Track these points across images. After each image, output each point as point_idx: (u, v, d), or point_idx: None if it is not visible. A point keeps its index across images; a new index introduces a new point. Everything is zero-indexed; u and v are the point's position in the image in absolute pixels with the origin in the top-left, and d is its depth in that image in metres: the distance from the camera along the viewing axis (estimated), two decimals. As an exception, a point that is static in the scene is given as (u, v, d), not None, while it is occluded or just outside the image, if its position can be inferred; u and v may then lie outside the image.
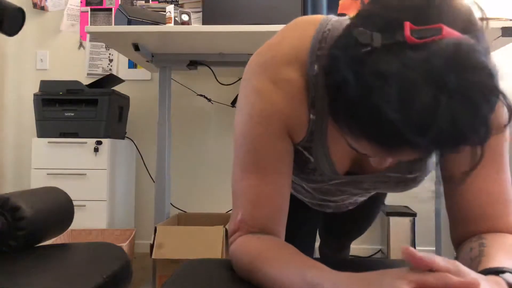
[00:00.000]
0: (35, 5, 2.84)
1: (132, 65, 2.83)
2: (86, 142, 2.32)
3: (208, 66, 2.16)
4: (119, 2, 2.81)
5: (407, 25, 0.46)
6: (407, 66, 0.45)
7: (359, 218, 1.19)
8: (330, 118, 0.59)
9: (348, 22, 0.69)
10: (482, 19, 0.50)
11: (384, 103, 0.45)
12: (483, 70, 0.45)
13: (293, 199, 0.86)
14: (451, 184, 0.69)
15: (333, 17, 0.71)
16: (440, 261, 0.45)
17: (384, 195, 1.21)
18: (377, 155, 0.55)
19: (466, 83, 0.44)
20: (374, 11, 0.50)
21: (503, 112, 0.51)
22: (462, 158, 0.60)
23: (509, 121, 0.51)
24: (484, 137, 0.48)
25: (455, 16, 0.48)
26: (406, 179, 0.77)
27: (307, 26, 0.70)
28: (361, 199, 0.96)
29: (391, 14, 0.48)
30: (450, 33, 0.46)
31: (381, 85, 0.45)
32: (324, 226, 1.24)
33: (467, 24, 0.48)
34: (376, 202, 1.16)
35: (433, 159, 0.78)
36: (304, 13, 2.05)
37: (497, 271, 0.51)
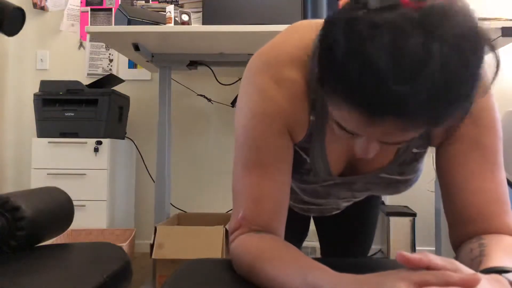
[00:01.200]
0: (35, 5, 2.84)
1: (132, 65, 2.83)
2: (86, 142, 2.32)
3: (208, 66, 2.16)
4: (119, 2, 2.81)
5: None
6: (400, 16, 0.46)
7: (357, 229, 1.19)
8: (329, 122, 0.59)
9: None
10: None
11: (374, 50, 0.45)
12: (474, 27, 0.47)
13: None
14: (448, 183, 0.69)
15: None
16: (436, 259, 0.46)
17: (377, 202, 1.21)
18: (361, 129, 0.54)
19: (457, 36, 0.45)
20: None
21: (488, 78, 0.53)
22: (459, 157, 0.61)
23: (495, 76, 0.53)
24: (472, 90, 0.48)
25: None
26: (397, 180, 0.77)
27: (310, 28, 0.70)
28: (346, 204, 0.96)
29: None
30: None
31: (373, 33, 0.46)
32: (326, 245, 1.23)
33: None
34: (370, 208, 1.16)
35: (423, 164, 0.78)
36: (304, 13, 2.05)
37: (498, 270, 0.51)
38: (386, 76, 0.45)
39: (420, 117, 0.48)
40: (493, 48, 0.49)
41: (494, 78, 0.53)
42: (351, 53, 0.47)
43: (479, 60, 0.47)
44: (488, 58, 0.50)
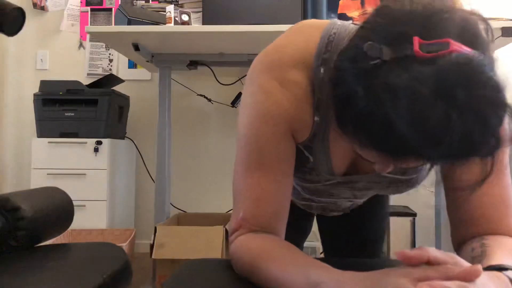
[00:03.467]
0: (35, 5, 2.84)
1: (132, 65, 2.83)
2: (86, 142, 2.32)
3: (208, 66, 2.16)
4: (119, 2, 2.81)
5: (416, 39, 0.47)
6: (417, 80, 0.45)
7: (362, 238, 1.17)
8: (333, 122, 0.59)
9: (352, 27, 0.69)
10: (487, 30, 0.51)
11: (394, 116, 0.46)
12: (491, 85, 0.46)
13: None
14: (457, 192, 0.69)
15: (338, 21, 0.72)
16: (436, 253, 0.46)
17: (385, 210, 1.19)
18: (383, 162, 0.56)
19: (475, 99, 0.45)
20: (381, 23, 0.51)
21: (510, 123, 0.52)
22: (470, 171, 0.61)
23: None
24: (494, 148, 0.49)
25: (461, 29, 0.48)
26: (399, 180, 0.77)
27: (313, 30, 0.70)
28: (348, 204, 0.96)
29: (399, 27, 0.49)
30: (458, 47, 0.46)
31: (391, 98, 0.46)
32: (331, 247, 1.22)
33: (473, 37, 0.49)
34: (377, 216, 1.15)
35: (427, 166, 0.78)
36: (304, 13, 2.04)
37: (499, 268, 0.52)
38: (409, 140, 0.46)
39: (443, 162, 0.52)
40: (510, 107, 0.49)
41: None
42: (372, 112, 0.48)
43: (499, 119, 0.47)
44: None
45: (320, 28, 0.70)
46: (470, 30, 0.49)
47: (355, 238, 1.13)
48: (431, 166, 0.59)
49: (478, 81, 0.45)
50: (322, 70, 0.67)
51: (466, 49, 0.47)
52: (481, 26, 0.50)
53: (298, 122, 0.69)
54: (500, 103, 0.46)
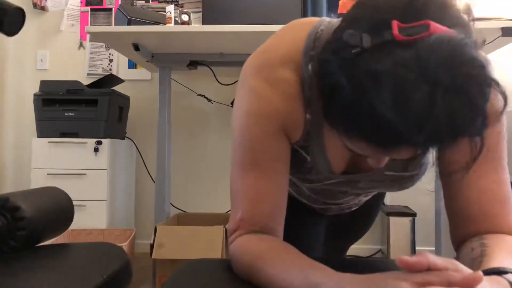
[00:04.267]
0: (35, 5, 2.84)
1: (132, 65, 2.83)
2: (86, 142, 2.32)
3: (208, 66, 2.16)
4: (119, 2, 2.81)
5: (395, 23, 0.47)
6: (398, 64, 0.45)
7: (359, 219, 1.19)
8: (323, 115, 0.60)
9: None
10: (468, 13, 0.51)
11: (379, 102, 0.46)
12: (474, 63, 0.46)
13: (295, 203, 0.86)
14: (450, 182, 0.69)
15: (326, 18, 0.73)
16: (436, 260, 0.46)
17: (383, 195, 1.22)
18: (374, 155, 0.56)
19: (459, 77, 0.45)
20: (361, 13, 0.51)
21: (498, 100, 0.52)
22: (461, 152, 0.61)
23: (504, 108, 0.52)
24: (482, 127, 0.48)
25: (442, 12, 0.48)
26: (402, 177, 0.77)
27: (301, 27, 0.71)
28: (365, 198, 0.97)
29: (378, 14, 0.49)
30: (438, 28, 0.46)
31: (374, 85, 0.46)
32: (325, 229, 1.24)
33: (454, 19, 0.49)
34: (375, 202, 1.16)
35: (429, 159, 0.78)
36: (304, 13, 2.04)
37: (499, 271, 0.52)
38: (395, 125, 0.46)
39: (431, 145, 0.50)
40: (498, 83, 0.48)
41: (502, 112, 0.53)
42: (357, 101, 0.48)
43: (485, 97, 0.47)
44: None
45: (309, 26, 0.70)
46: (449, 12, 0.49)
47: (354, 224, 1.14)
48: (424, 152, 0.59)
49: (460, 60, 0.45)
50: (310, 67, 0.67)
51: (446, 30, 0.46)
52: (462, 9, 0.50)
53: (290, 120, 0.69)
54: (484, 80, 0.46)
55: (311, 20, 0.73)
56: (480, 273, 0.45)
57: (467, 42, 0.46)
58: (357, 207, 1.01)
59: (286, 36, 0.71)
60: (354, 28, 0.50)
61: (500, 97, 0.51)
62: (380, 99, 0.45)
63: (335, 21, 0.71)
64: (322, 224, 1.14)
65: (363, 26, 0.49)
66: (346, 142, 0.56)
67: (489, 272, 0.51)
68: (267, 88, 0.68)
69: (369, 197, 0.97)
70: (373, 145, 0.51)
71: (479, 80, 0.46)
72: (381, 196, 1.17)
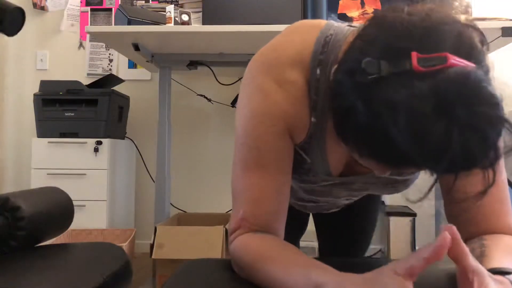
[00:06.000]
0: (35, 5, 2.84)
1: (132, 65, 2.83)
2: (86, 142, 2.32)
3: (208, 66, 2.16)
4: (119, 2, 2.81)
5: (414, 55, 0.47)
6: (416, 96, 0.46)
7: (358, 228, 1.19)
8: (330, 125, 0.60)
9: (348, 29, 0.69)
10: (481, 40, 0.51)
11: (395, 132, 0.46)
12: (489, 100, 0.46)
13: None
14: (458, 204, 0.69)
15: (334, 23, 0.73)
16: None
17: (378, 203, 1.22)
18: (382, 170, 0.57)
19: (475, 115, 0.45)
20: (377, 35, 0.51)
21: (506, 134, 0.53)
22: (471, 178, 0.61)
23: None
24: (494, 160, 0.49)
25: (458, 41, 0.49)
26: (396, 180, 0.78)
27: (310, 30, 0.70)
28: (345, 202, 0.97)
29: (397, 41, 0.49)
30: (455, 61, 0.47)
31: (391, 114, 0.46)
32: (325, 243, 1.24)
33: (470, 49, 0.49)
34: (371, 207, 1.17)
35: None
36: (304, 13, 2.04)
37: (501, 272, 0.52)
38: (411, 154, 0.47)
39: (445, 174, 0.51)
40: (509, 122, 0.49)
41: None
42: (372, 127, 0.48)
43: (499, 134, 0.48)
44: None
45: (317, 28, 0.70)
46: (466, 43, 0.49)
47: (350, 229, 1.14)
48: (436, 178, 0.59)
49: (477, 97, 0.46)
50: (318, 71, 0.67)
51: (463, 63, 0.47)
52: (476, 37, 0.50)
53: (296, 122, 0.69)
54: (499, 119, 0.47)
55: (319, 22, 0.73)
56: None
57: (483, 77, 0.47)
58: (336, 209, 1.01)
59: (295, 37, 0.71)
60: (370, 51, 0.50)
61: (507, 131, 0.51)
62: (396, 129, 0.46)
63: (344, 26, 0.71)
64: (299, 224, 1.15)
65: (380, 51, 0.49)
66: (355, 156, 0.57)
67: (492, 272, 0.52)
68: (274, 88, 0.68)
69: (351, 201, 0.97)
70: (384, 165, 0.52)
71: (494, 119, 0.47)
72: (376, 201, 1.17)
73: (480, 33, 0.51)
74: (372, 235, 1.23)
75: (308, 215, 1.19)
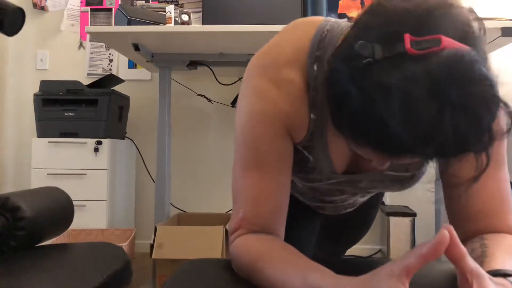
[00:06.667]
0: (35, 5, 2.84)
1: (132, 65, 2.83)
2: (86, 142, 2.32)
3: (208, 66, 2.16)
4: (119, 2, 2.81)
5: (407, 36, 0.47)
6: (409, 79, 0.45)
7: (357, 221, 1.19)
8: (330, 120, 0.60)
9: (345, 24, 0.69)
10: (479, 27, 0.51)
11: (388, 115, 0.46)
12: (483, 81, 0.46)
13: (293, 203, 0.86)
14: (454, 189, 0.69)
15: (332, 19, 0.72)
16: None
17: (381, 196, 1.22)
18: (380, 160, 0.56)
19: (468, 96, 0.45)
20: (372, 22, 0.51)
21: (504, 117, 0.52)
22: (465, 163, 0.61)
23: (510, 129, 0.52)
24: (488, 144, 0.49)
25: (453, 25, 0.48)
26: (403, 177, 0.77)
27: (306, 27, 0.70)
28: (361, 199, 0.96)
29: (391, 26, 0.49)
30: (449, 43, 0.46)
31: (384, 98, 0.46)
32: (322, 230, 1.24)
33: (465, 33, 0.49)
34: (373, 203, 1.17)
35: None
36: (304, 13, 2.05)
37: (503, 274, 0.52)
38: (403, 138, 0.47)
39: (437, 158, 0.51)
40: (505, 103, 0.49)
41: (508, 131, 0.53)
42: (366, 112, 0.48)
43: (492, 116, 0.47)
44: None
45: (314, 25, 0.70)
46: (461, 26, 0.49)
47: (347, 223, 1.14)
48: (427, 162, 0.59)
49: (470, 78, 0.45)
50: (315, 67, 0.67)
51: (457, 45, 0.46)
52: (473, 23, 0.50)
53: (294, 120, 0.69)
54: (493, 99, 0.46)
55: (316, 19, 0.72)
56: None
57: (478, 59, 0.46)
58: (352, 209, 1.01)
59: (291, 35, 0.71)
60: (365, 37, 0.49)
61: (506, 115, 0.51)
62: (389, 112, 0.46)
63: (341, 22, 0.71)
64: (315, 223, 1.14)
65: (374, 36, 0.49)
66: (352, 146, 0.57)
67: (493, 274, 0.52)
68: (272, 88, 0.68)
69: (366, 198, 0.97)
70: (379, 152, 0.51)
71: (488, 100, 0.46)
72: (377, 199, 1.17)
73: (478, 18, 0.51)
74: (370, 227, 1.23)
75: (319, 217, 1.18)
